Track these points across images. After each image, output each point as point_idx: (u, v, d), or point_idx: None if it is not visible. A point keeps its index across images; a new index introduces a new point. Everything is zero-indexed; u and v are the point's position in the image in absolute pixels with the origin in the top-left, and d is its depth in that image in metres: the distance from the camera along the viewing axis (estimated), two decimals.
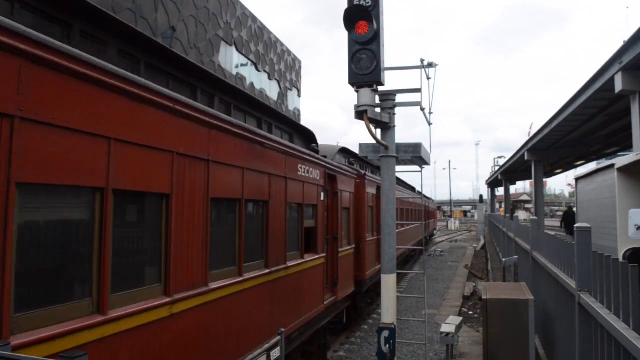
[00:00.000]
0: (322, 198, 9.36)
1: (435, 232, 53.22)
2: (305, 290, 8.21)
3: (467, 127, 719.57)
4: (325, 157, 10.10)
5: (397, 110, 6.26)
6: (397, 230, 17.92)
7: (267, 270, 6.63)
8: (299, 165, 8.04)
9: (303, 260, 8.15)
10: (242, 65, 43.22)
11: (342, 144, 17.06)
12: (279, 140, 7.21)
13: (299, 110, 57.23)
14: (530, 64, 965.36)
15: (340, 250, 10.55)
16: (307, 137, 9.91)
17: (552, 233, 8.66)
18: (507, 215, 24.47)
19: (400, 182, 24.63)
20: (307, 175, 8.43)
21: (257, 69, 46.17)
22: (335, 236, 10.36)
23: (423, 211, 25.70)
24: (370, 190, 13.73)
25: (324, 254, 9.35)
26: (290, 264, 7.51)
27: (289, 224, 7.59)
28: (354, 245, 12.06)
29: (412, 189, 31.07)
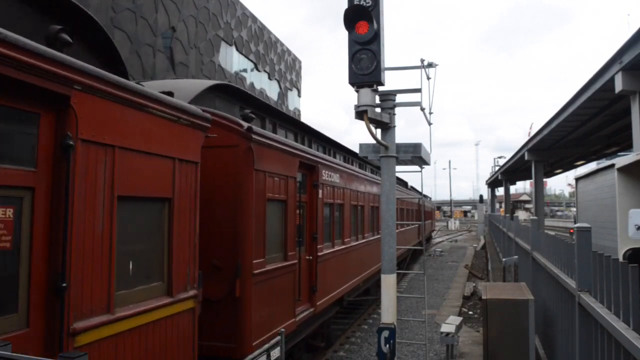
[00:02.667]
0: None
1: (433, 234, 49.20)
2: None
3: (469, 126, 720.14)
4: (169, 93, 4.90)
5: (399, 109, 6.26)
6: (369, 239, 13.13)
7: None
8: None
9: None
10: (242, 70, 43.30)
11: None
12: None
13: (299, 110, 57.26)
14: (533, 63, 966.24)
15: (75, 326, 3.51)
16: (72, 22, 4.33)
17: (552, 233, 8.66)
18: (507, 215, 24.47)
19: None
20: None
21: (257, 69, 46.20)
22: (58, 287, 3.40)
23: (422, 211, 23.01)
24: (279, 169, 7.19)
25: None
26: None
27: None
28: (193, 292, 4.97)
29: (405, 184, 27.31)
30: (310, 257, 8.68)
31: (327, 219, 9.85)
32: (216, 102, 7.59)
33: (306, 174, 8.74)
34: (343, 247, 10.71)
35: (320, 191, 9.10)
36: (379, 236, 14.23)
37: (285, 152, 7.52)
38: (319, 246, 8.93)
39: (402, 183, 27.11)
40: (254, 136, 6.35)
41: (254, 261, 6.30)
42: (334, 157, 13.14)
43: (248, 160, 6.33)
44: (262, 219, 6.58)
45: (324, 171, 9.29)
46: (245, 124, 6.37)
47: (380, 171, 16.80)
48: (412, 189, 30.80)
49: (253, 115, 7.01)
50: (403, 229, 20.13)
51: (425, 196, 25.75)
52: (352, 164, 13.99)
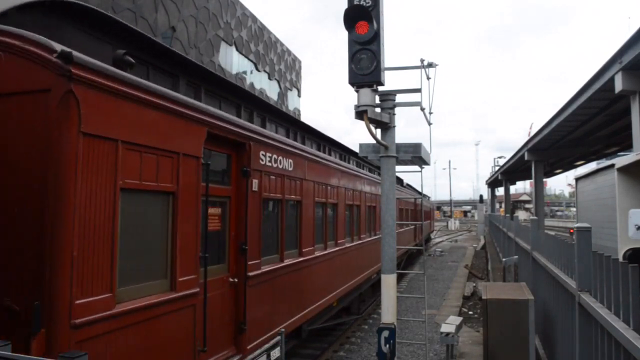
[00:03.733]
0: None
1: (432, 235, 46.63)
2: None
3: (469, 126, 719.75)
4: None
5: (399, 109, 6.27)
6: (346, 247, 10.72)
7: None
8: None
9: None
10: (242, 72, 43.30)
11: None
12: None
13: (299, 110, 57.29)
14: (534, 63, 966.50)
15: None
16: None
17: (552, 233, 8.66)
18: (507, 215, 24.47)
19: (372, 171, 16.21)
20: None
21: (257, 69, 46.23)
22: None
23: (417, 211, 18.81)
24: (156, 140, 4.48)
25: None
26: None
27: None
28: None
29: (400, 181, 24.78)
30: (236, 280, 6.02)
31: (270, 221, 7.20)
32: (53, 30, 4.37)
33: (230, 155, 6.10)
34: (300, 259, 8.06)
35: (255, 181, 6.38)
36: (362, 241, 12.32)
37: (170, 111, 4.57)
38: (251, 262, 6.22)
39: (398, 181, 25.33)
40: (76, 72, 3.61)
41: (79, 301, 3.56)
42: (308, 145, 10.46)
43: (66, 116, 3.60)
44: (104, 222, 3.87)
45: (262, 152, 6.60)
46: (58, 47, 3.61)
47: (363, 162, 14.62)
48: (408, 186, 28.51)
49: (132, 60, 4.44)
50: (396, 230, 17.45)
51: (423, 195, 24.56)
52: (330, 154, 11.86)
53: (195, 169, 5.03)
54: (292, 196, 7.83)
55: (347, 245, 11.17)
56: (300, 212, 8.22)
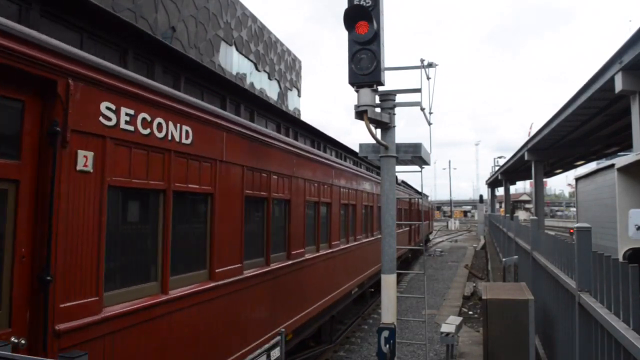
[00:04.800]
0: None
1: (431, 236, 44.33)
2: None
3: (470, 126, 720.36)
4: None
5: (399, 109, 6.27)
6: (305, 258, 8.00)
7: None
8: None
9: None
10: (242, 73, 43.28)
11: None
12: None
13: (299, 110, 57.30)
14: (534, 63, 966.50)
15: None
16: None
17: (552, 233, 8.66)
18: (507, 215, 24.47)
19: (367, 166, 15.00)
20: None
21: (257, 69, 46.24)
22: None
23: (413, 210, 17.56)
24: None
25: None
26: None
27: None
28: None
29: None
30: (23, 341, 3.18)
31: (133, 228, 4.47)
32: None
33: (23, 102, 3.32)
34: (212, 284, 5.27)
35: (86, 155, 3.63)
36: (333, 250, 9.80)
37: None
38: (67, 304, 3.43)
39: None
40: None
41: None
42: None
43: None
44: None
45: (109, 105, 3.84)
46: None
47: (347, 155, 12.91)
48: (404, 184, 25.85)
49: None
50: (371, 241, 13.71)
51: (421, 194, 24.17)
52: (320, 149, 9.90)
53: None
54: (194, 186, 4.98)
55: (309, 256, 8.48)
56: (212, 212, 5.34)
